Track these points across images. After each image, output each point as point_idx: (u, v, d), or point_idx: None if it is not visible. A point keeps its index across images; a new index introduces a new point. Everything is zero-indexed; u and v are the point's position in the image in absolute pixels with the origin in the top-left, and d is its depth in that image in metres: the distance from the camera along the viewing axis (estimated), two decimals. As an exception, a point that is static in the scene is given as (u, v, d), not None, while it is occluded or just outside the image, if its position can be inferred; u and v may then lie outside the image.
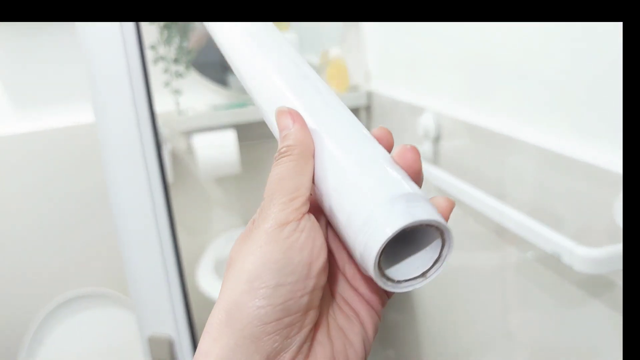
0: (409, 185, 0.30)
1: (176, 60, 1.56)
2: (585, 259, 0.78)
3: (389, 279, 0.30)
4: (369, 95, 1.70)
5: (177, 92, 1.57)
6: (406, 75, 1.48)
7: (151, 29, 1.54)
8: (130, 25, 0.79)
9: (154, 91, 1.57)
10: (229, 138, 1.60)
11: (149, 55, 1.55)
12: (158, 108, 1.61)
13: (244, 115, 1.65)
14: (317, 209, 0.36)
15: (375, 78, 1.69)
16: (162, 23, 1.53)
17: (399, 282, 0.31)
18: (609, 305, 0.85)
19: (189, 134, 1.62)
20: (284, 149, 0.33)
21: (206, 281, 1.56)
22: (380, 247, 0.28)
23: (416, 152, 0.34)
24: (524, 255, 1.03)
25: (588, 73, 0.84)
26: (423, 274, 0.31)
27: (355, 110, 1.73)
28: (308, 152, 0.33)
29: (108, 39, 0.78)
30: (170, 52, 1.55)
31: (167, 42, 1.54)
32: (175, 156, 1.67)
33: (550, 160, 0.92)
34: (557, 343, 0.98)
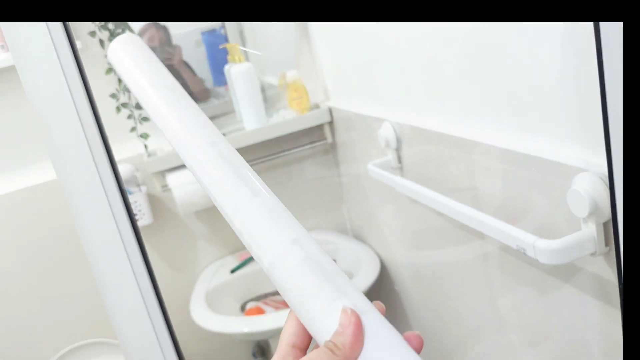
0: None
1: (138, 106, 1.59)
2: (547, 251, 0.82)
3: None
4: (331, 112, 1.74)
5: (143, 136, 1.60)
6: (363, 88, 1.52)
7: (110, 79, 1.58)
8: (76, 78, 0.82)
9: (121, 138, 1.60)
10: (202, 172, 1.63)
11: (111, 103, 1.58)
12: (128, 152, 1.65)
13: (213, 148, 1.68)
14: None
15: (334, 94, 1.73)
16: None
17: None
18: (578, 288, 0.89)
19: (162, 173, 1.66)
20: (332, 345, 0.39)
21: (199, 313, 1.59)
22: None
23: (421, 341, 0.42)
24: (497, 249, 1.07)
25: (533, 73, 0.88)
26: None
27: (319, 127, 1.78)
28: (347, 358, 0.39)
29: (56, 97, 0.81)
30: (132, 98, 1.59)
31: (127, 89, 1.57)
32: (151, 197, 1.70)
33: (507, 158, 0.97)
34: (539, 325, 1.02)
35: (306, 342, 0.44)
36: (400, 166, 1.34)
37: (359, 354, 0.39)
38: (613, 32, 0.55)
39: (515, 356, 1.13)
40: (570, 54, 0.78)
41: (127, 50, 0.58)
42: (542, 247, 0.82)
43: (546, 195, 0.90)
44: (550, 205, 0.90)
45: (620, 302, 0.66)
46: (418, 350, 0.41)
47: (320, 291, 0.42)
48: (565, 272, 0.91)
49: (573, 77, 0.79)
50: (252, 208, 0.47)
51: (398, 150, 1.33)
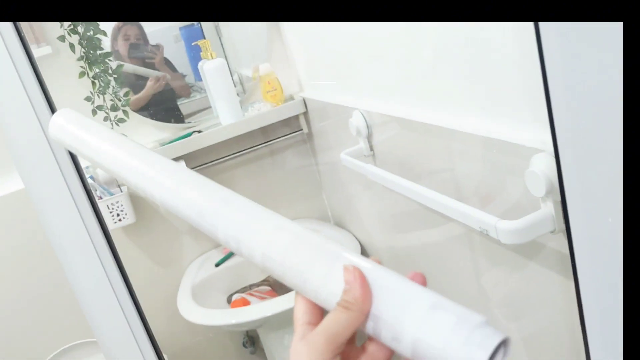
0: (475, 314, 0.39)
1: (113, 108, 1.60)
2: (508, 231, 0.84)
3: None
4: (305, 102, 1.75)
5: (120, 136, 1.61)
6: (334, 78, 1.53)
7: (83, 82, 1.59)
8: (36, 89, 0.83)
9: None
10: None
11: (86, 107, 1.59)
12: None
13: (190, 145, 1.69)
14: None
15: (307, 85, 1.74)
16: (91, 74, 1.58)
17: None
18: (542, 265, 0.92)
19: (141, 173, 1.66)
20: (345, 303, 0.41)
21: (185, 307, 1.62)
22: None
23: (424, 278, 0.44)
24: (468, 230, 1.09)
25: (493, 58, 0.90)
26: None
27: (295, 118, 1.79)
28: (362, 310, 0.40)
29: (18, 109, 0.82)
30: (106, 100, 1.60)
31: (101, 92, 1.58)
32: (133, 197, 1.71)
33: (471, 142, 0.99)
34: (510, 302, 1.05)
35: (319, 316, 0.45)
36: (372, 154, 1.36)
37: (371, 304, 0.41)
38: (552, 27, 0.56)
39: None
40: (526, 39, 0.79)
41: (71, 120, 0.65)
42: (503, 228, 0.84)
43: (509, 176, 0.92)
44: (513, 186, 0.92)
45: (573, 275, 0.68)
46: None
47: (316, 261, 0.44)
48: (530, 250, 0.93)
49: (531, 60, 0.81)
50: (228, 214, 0.50)
51: (369, 138, 1.35)
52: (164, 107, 1.78)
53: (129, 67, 1.71)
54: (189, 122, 1.81)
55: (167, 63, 1.79)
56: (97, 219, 0.90)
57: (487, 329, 0.37)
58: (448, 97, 1.03)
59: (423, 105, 1.12)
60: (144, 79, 1.74)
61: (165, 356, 1.71)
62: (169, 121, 1.79)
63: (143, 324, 0.94)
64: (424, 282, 0.43)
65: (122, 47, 1.70)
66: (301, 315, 0.45)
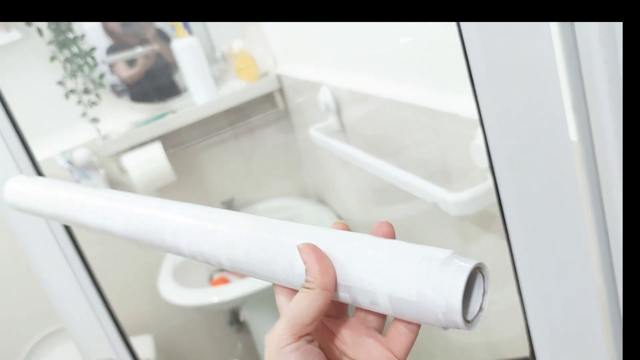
0: (440, 251, 0.37)
1: (86, 91, 1.60)
2: (456, 203, 0.85)
3: (467, 322, 0.36)
4: (279, 79, 1.75)
5: (95, 120, 1.62)
6: (305, 54, 1.53)
7: (55, 66, 1.58)
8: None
9: (73, 123, 1.61)
10: (156, 150, 1.65)
11: (59, 91, 1.59)
12: (82, 138, 1.66)
13: (165, 126, 1.69)
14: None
15: (283, 62, 1.74)
16: (63, 58, 1.57)
17: (470, 322, 0.37)
18: (495, 234, 0.93)
19: (118, 155, 1.67)
20: (306, 283, 0.39)
21: (166, 287, 1.63)
22: (461, 299, 0.34)
23: (390, 225, 0.42)
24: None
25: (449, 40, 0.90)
26: (481, 308, 0.38)
27: (270, 95, 1.78)
28: (323, 285, 0.39)
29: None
30: (79, 84, 1.60)
31: (72, 75, 1.58)
32: (110, 180, 1.72)
33: (427, 115, 0.99)
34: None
35: None
36: (342, 129, 1.36)
37: (333, 276, 0.40)
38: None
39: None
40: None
41: (27, 185, 0.67)
42: (451, 200, 0.85)
43: (462, 149, 0.92)
44: (465, 158, 0.92)
45: (505, 236, 0.71)
46: (391, 236, 0.41)
47: (277, 250, 0.43)
48: (484, 220, 0.94)
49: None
50: (186, 230, 0.50)
51: (338, 113, 1.35)
52: (162, 81, 1.77)
53: (119, 57, 1.72)
54: (164, 102, 1.80)
55: (162, 35, 1.77)
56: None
57: (453, 264, 0.35)
58: (413, 73, 1.03)
59: (387, 81, 1.12)
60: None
61: (150, 337, 1.74)
62: (147, 101, 1.78)
63: (106, 306, 0.96)
64: (390, 229, 0.41)
65: (115, 25, 1.69)
66: (282, 305, 0.44)
